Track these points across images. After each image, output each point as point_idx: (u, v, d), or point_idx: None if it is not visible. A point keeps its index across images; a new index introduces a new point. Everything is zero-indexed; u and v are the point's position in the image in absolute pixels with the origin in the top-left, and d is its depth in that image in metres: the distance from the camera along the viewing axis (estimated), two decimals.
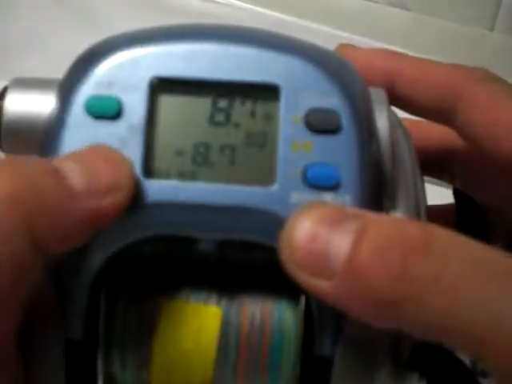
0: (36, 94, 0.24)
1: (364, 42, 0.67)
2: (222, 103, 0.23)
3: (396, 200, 0.24)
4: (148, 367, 0.24)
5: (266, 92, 0.23)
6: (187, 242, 0.24)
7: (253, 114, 0.23)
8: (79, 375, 0.23)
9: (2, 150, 0.24)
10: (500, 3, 0.71)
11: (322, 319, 0.23)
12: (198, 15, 0.69)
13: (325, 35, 0.68)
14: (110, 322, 0.24)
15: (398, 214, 0.24)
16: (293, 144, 0.22)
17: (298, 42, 0.24)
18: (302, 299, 0.24)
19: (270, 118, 0.22)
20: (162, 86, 0.22)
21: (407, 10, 0.74)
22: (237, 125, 0.23)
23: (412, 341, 0.24)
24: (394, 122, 0.25)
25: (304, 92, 0.22)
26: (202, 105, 0.23)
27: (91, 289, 0.23)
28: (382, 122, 0.24)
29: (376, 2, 0.74)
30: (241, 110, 0.23)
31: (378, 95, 0.24)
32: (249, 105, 0.23)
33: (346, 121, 0.22)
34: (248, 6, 0.71)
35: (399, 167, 0.25)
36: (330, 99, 0.22)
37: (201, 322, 0.24)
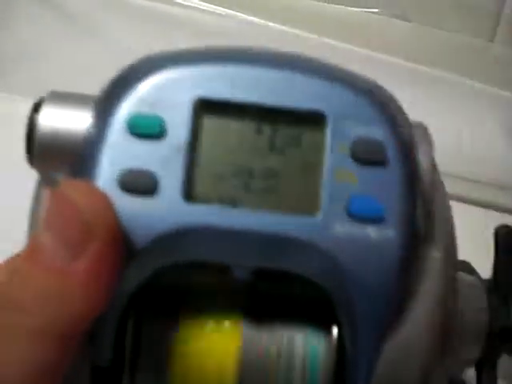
0: (72, 109, 0.23)
1: (364, 53, 0.67)
2: (267, 129, 0.22)
3: (432, 237, 0.24)
4: None
5: (312, 119, 0.22)
6: (221, 269, 0.23)
7: (297, 142, 0.22)
8: None
9: (32, 166, 0.24)
10: (500, 14, 0.71)
11: (355, 356, 0.22)
12: (200, 28, 0.69)
13: (325, 46, 0.68)
14: (135, 349, 0.23)
15: (434, 253, 0.23)
16: (338, 174, 0.22)
17: (344, 70, 0.24)
18: (335, 332, 0.24)
19: (315, 146, 0.22)
20: (206, 108, 0.22)
21: (408, 21, 0.74)
22: (281, 151, 0.22)
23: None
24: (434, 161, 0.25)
25: (350, 121, 0.22)
26: (245, 129, 0.22)
27: (121, 314, 0.22)
28: (424, 159, 0.23)
29: (376, 13, 0.74)
30: (285, 136, 0.22)
31: (420, 131, 0.24)
32: (294, 132, 0.22)
33: (391, 153, 0.22)
34: (250, 18, 0.71)
35: (437, 209, 0.25)
36: (377, 130, 0.22)
37: (221, 357, 0.24)
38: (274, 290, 0.25)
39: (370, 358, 0.22)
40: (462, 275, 0.30)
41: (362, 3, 0.74)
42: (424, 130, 0.24)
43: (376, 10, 0.75)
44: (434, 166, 0.24)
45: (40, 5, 0.67)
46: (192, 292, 0.25)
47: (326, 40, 0.70)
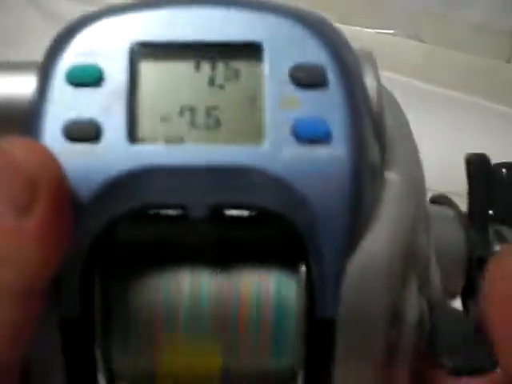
0: (17, 76, 0.23)
1: (380, 74, 0.67)
2: (205, 65, 0.22)
3: (390, 161, 0.24)
4: (152, 350, 0.24)
5: (249, 51, 0.22)
6: (179, 216, 0.23)
7: (237, 75, 0.22)
8: (79, 359, 0.23)
9: None
10: None
11: (322, 283, 0.22)
12: None
13: None
14: (106, 304, 0.23)
15: (392, 175, 0.23)
16: (280, 100, 0.22)
17: (279, 3, 0.24)
18: (302, 266, 0.23)
19: (255, 77, 0.22)
20: (143, 52, 0.22)
21: (423, 42, 0.74)
22: (221, 86, 0.22)
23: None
24: (385, 92, 0.25)
25: (288, 49, 0.22)
26: (184, 68, 0.22)
27: (85, 266, 0.22)
28: (370, 81, 0.23)
29: (392, 34, 0.75)
30: (224, 71, 0.22)
31: (365, 56, 0.24)
32: (232, 65, 0.22)
33: (332, 74, 0.22)
34: None
35: (395, 130, 0.24)
36: (315, 54, 0.22)
37: (192, 305, 0.24)
38: (237, 235, 0.25)
39: (334, 280, 0.22)
40: (438, 208, 0.30)
41: (377, 24, 0.74)
42: (369, 55, 0.24)
43: (391, 31, 0.75)
44: (381, 89, 0.24)
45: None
46: (156, 244, 0.25)
47: None
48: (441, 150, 0.59)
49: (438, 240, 0.26)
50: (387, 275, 0.22)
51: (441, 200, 0.32)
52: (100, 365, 0.23)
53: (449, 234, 0.29)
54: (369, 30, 0.75)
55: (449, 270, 0.27)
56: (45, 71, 0.22)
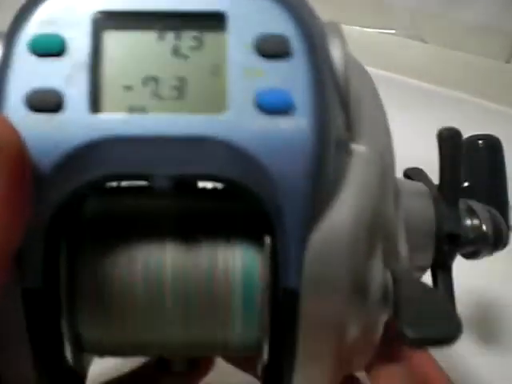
0: None
1: (381, 74, 0.67)
2: (169, 35, 0.22)
3: (356, 133, 0.24)
4: (116, 323, 0.24)
5: (213, 21, 0.22)
6: (146, 190, 0.23)
7: (200, 44, 0.22)
8: (45, 331, 0.23)
9: None
10: None
11: (285, 254, 0.22)
12: None
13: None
14: (71, 275, 0.23)
15: (358, 146, 0.23)
16: (243, 71, 0.22)
17: None
18: (267, 239, 0.24)
19: (219, 47, 0.22)
20: (105, 21, 0.22)
21: (424, 42, 0.74)
22: (185, 56, 0.22)
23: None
24: (353, 62, 0.25)
25: (252, 18, 0.22)
26: (148, 37, 0.22)
27: (51, 237, 0.22)
28: (336, 52, 0.23)
29: (393, 35, 0.75)
30: (188, 40, 0.22)
31: (332, 27, 0.24)
32: (196, 35, 0.22)
33: (296, 45, 0.22)
34: None
35: (363, 102, 0.24)
36: (279, 24, 0.22)
37: (158, 264, 0.24)
38: (202, 207, 0.25)
39: (297, 251, 0.22)
40: (410, 182, 0.30)
41: (378, 24, 0.74)
42: (335, 26, 0.24)
43: (392, 31, 0.75)
44: (347, 60, 0.23)
45: None
46: (123, 216, 0.25)
47: None
48: None
49: (409, 214, 0.26)
50: (350, 245, 0.22)
51: (414, 173, 0.32)
52: (66, 337, 0.23)
53: (419, 209, 0.29)
54: (369, 30, 0.75)
55: (419, 244, 0.28)
56: (8, 40, 0.22)
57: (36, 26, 0.22)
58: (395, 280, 0.23)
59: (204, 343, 0.25)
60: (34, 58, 0.22)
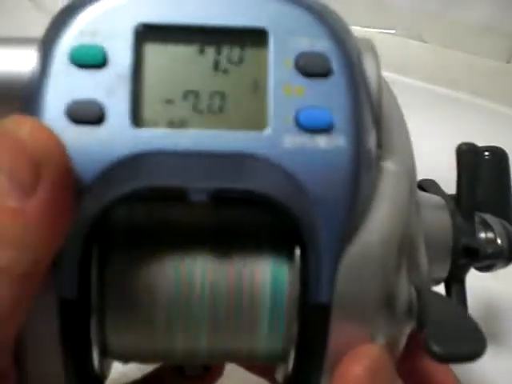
0: (17, 50, 0.23)
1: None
2: (210, 50, 0.22)
3: (386, 150, 0.24)
4: (139, 330, 0.24)
5: (254, 37, 0.22)
6: (179, 197, 0.23)
7: (241, 60, 0.22)
8: (75, 340, 0.23)
9: None
10: None
11: (318, 270, 0.22)
12: None
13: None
14: (102, 284, 0.23)
15: (388, 164, 0.24)
16: (284, 88, 0.22)
17: None
18: (297, 251, 0.24)
19: (260, 63, 0.22)
20: (147, 34, 0.22)
21: (424, 42, 0.74)
22: (225, 71, 0.22)
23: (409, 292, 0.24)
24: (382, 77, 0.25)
25: (293, 36, 0.22)
26: (189, 51, 0.22)
27: (85, 246, 0.22)
28: (370, 69, 0.23)
29: (393, 35, 0.75)
30: (229, 56, 0.22)
31: (365, 44, 0.24)
32: (237, 51, 0.22)
33: (336, 64, 0.22)
34: None
35: (391, 119, 0.25)
36: (320, 43, 0.22)
37: (191, 275, 0.24)
38: (233, 218, 0.25)
39: (331, 268, 0.22)
40: (427, 195, 0.30)
41: (378, 24, 0.74)
42: (369, 42, 0.24)
43: (393, 31, 0.75)
44: (381, 78, 0.24)
45: None
46: (156, 226, 0.25)
47: None
48: (442, 149, 0.60)
49: (427, 227, 0.27)
50: (382, 261, 0.23)
51: (427, 185, 0.32)
52: (94, 342, 0.23)
53: (437, 222, 0.29)
54: (370, 30, 0.75)
55: (436, 256, 0.28)
56: (46, 49, 0.22)
57: (76, 35, 0.22)
58: (419, 294, 0.24)
59: (229, 353, 0.25)
60: (74, 69, 0.22)
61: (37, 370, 0.22)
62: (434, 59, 0.73)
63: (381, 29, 0.75)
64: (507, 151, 0.62)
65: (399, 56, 0.72)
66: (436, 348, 0.21)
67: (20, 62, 0.23)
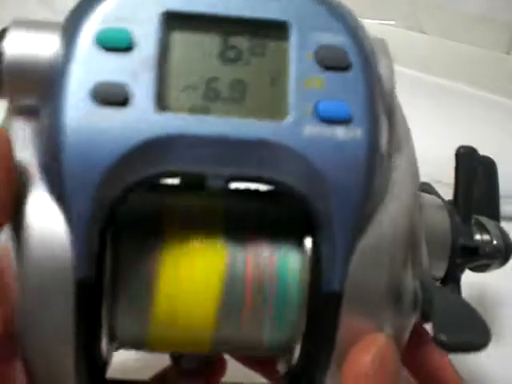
0: (39, 34, 0.23)
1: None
2: (233, 40, 0.23)
3: (396, 146, 0.25)
4: (148, 315, 0.24)
5: (276, 29, 0.23)
6: (196, 185, 0.24)
7: (263, 51, 0.23)
8: (88, 323, 0.23)
9: (1, 96, 0.23)
10: None
11: (329, 257, 0.23)
12: None
13: None
14: (116, 268, 0.24)
15: (397, 159, 0.24)
16: (304, 80, 0.22)
17: None
18: (308, 240, 0.24)
19: (281, 55, 0.23)
20: (173, 21, 0.22)
21: (424, 33, 0.74)
22: (247, 62, 0.23)
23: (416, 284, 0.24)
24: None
25: (313, 30, 0.23)
26: (213, 40, 0.23)
27: (102, 230, 0.23)
28: (383, 67, 0.24)
29: (392, 26, 0.75)
30: (251, 46, 0.23)
31: (379, 43, 0.25)
32: (259, 42, 0.23)
33: (354, 58, 0.23)
34: None
35: (398, 121, 0.25)
36: (339, 38, 0.23)
37: (206, 261, 0.24)
38: (245, 207, 0.26)
39: (344, 257, 0.22)
40: (427, 195, 0.31)
41: (378, 15, 0.74)
42: (383, 43, 0.25)
43: (392, 23, 0.75)
44: (393, 75, 0.25)
45: None
46: (172, 211, 0.25)
47: None
48: (441, 140, 0.60)
49: (426, 225, 0.27)
50: (391, 254, 0.23)
51: (424, 188, 0.33)
52: (104, 328, 0.24)
53: (436, 221, 0.30)
54: (370, 21, 0.74)
55: (434, 255, 0.28)
56: (71, 32, 0.22)
57: (103, 19, 0.22)
58: (423, 287, 0.24)
59: (236, 344, 0.26)
60: (101, 52, 0.22)
61: (45, 358, 0.23)
62: (433, 50, 0.73)
63: (380, 20, 0.75)
64: (506, 141, 0.62)
65: (398, 47, 0.72)
66: (443, 337, 0.22)
67: (42, 45, 0.23)
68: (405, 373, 0.29)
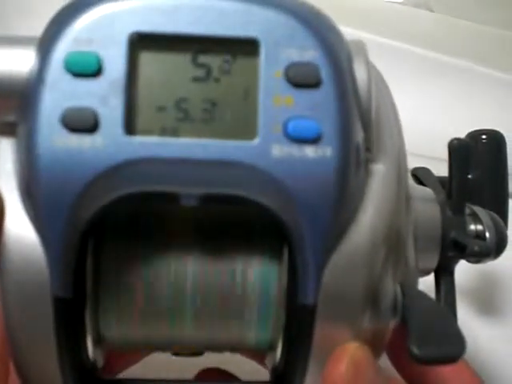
0: (15, 50, 0.23)
1: (387, 43, 0.67)
2: (202, 58, 0.23)
3: (376, 152, 0.24)
4: (133, 318, 0.25)
5: (246, 46, 0.22)
6: (169, 199, 0.24)
7: (233, 69, 0.23)
8: (69, 335, 0.23)
9: None
10: None
11: (304, 273, 0.23)
12: None
13: (347, 36, 0.68)
14: (96, 279, 0.24)
15: (377, 165, 0.24)
16: (273, 98, 0.22)
17: None
18: (285, 252, 0.24)
19: (251, 73, 0.22)
20: (141, 42, 0.22)
21: (431, 11, 0.74)
22: (217, 80, 0.23)
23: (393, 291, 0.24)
24: (375, 75, 0.25)
25: (284, 46, 0.22)
26: (182, 60, 0.23)
27: (79, 247, 0.23)
28: (360, 74, 0.24)
29: (400, 3, 0.74)
30: (221, 65, 0.23)
31: (356, 46, 0.24)
32: (229, 60, 0.23)
33: (325, 75, 0.22)
34: None
35: (379, 115, 0.25)
36: (310, 53, 0.22)
37: (179, 272, 0.25)
38: (223, 217, 0.26)
39: (316, 272, 0.23)
40: (418, 187, 0.31)
41: None
42: (360, 44, 0.25)
43: (400, 1, 0.75)
44: (370, 81, 0.24)
45: None
46: (146, 221, 0.26)
47: (349, 30, 0.70)
48: (449, 118, 0.60)
49: (417, 219, 0.27)
50: (368, 265, 0.23)
51: (422, 174, 0.33)
52: (89, 331, 0.25)
53: (427, 213, 0.30)
54: (377, 0, 0.74)
55: (425, 248, 0.28)
56: (43, 54, 0.22)
57: (73, 42, 0.22)
58: (403, 292, 0.24)
59: (218, 345, 0.27)
60: (70, 77, 0.22)
61: (34, 369, 0.23)
62: (440, 28, 0.72)
63: None
64: None
65: (406, 25, 0.72)
66: (416, 351, 0.22)
67: (19, 61, 0.23)
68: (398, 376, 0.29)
